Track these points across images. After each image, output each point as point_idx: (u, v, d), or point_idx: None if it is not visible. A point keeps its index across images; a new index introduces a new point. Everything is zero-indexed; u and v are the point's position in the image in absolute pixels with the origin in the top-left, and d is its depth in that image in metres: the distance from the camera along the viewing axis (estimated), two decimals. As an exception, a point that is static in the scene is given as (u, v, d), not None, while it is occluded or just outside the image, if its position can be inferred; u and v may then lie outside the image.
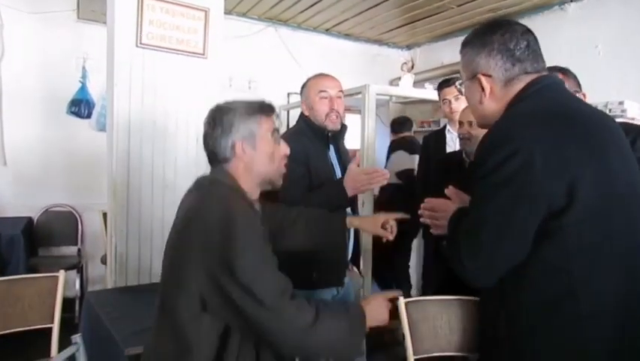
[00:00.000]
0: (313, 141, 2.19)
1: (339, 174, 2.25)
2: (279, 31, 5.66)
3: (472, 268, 1.21)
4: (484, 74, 1.31)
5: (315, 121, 2.19)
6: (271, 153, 1.49)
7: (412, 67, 6.38)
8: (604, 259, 1.19)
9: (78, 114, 4.45)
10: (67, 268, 4.20)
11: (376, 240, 4.53)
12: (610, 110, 3.83)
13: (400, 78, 5.67)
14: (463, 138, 2.60)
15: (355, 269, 2.61)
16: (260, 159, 1.47)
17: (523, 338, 1.24)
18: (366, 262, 3.95)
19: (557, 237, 1.17)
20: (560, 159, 1.15)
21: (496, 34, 1.30)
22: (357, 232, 2.35)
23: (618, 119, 3.80)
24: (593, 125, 1.26)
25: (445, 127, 3.38)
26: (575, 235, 1.16)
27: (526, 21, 5.09)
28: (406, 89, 4.73)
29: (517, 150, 1.15)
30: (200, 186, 1.48)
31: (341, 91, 2.23)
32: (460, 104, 3.01)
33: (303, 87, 2.29)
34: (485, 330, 1.46)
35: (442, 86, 3.23)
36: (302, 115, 2.26)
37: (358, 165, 2.09)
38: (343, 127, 2.30)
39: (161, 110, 2.70)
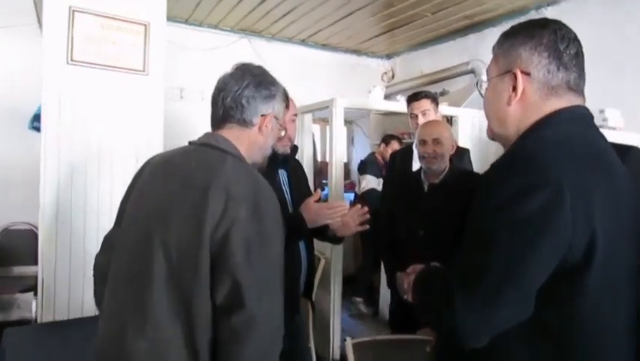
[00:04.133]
0: None
1: (289, 198, 2.13)
2: (253, 42, 5.54)
3: (466, 325, 0.98)
4: (522, 71, 1.10)
5: None
6: (273, 140, 1.53)
7: (393, 76, 6.23)
8: (611, 332, 1.05)
9: (40, 130, 4.28)
10: (25, 290, 4.06)
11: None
12: (591, 120, 3.66)
13: (383, 87, 5.52)
14: (427, 157, 2.39)
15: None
16: (270, 140, 1.49)
17: None
18: (336, 285, 3.77)
19: (566, 302, 1.00)
20: (586, 206, 0.96)
21: (548, 29, 1.11)
22: (310, 261, 2.21)
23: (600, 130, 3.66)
24: (617, 175, 1.08)
25: (412, 143, 3.20)
26: (589, 304, 1.00)
27: (503, 27, 4.89)
28: (376, 101, 4.56)
29: (548, 180, 0.96)
30: (208, 154, 1.33)
31: (295, 114, 2.13)
32: (427, 120, 2.79)
33: None
34: None
35: (411, 100, 3.02)
36: None
37: (319, 199, 1.95)
38: (294, 149, 2.20)
39: (94, 132, 2.54)
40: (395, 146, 4.89)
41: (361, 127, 6.56)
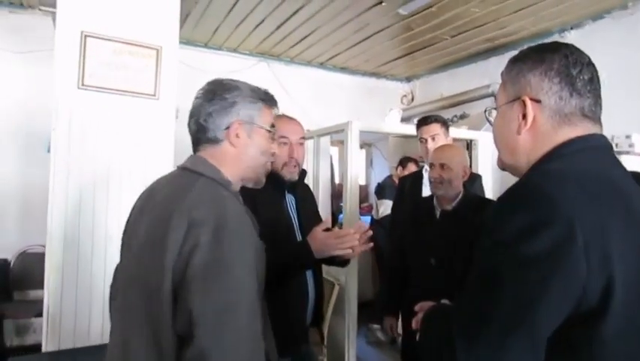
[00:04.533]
0: (266, 188, 1.97)
1: (297, 225, 2.04)
2: (272, 65, 5.55)
3: None
4: (532, 98, 1.03)
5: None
6: (265, 147, 1.38)
7: (412, 99, 6.15)
8: None
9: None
10: (40, 315, 4.04)
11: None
12: (617, 145, 3.52)
13: (400, 110, 5.46)
14: (433, 182, 2.34)
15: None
16: (252, 151, 1.35)
17: None
18: (351, 312, 3.66)
19: (579, 351, 0.90)
20: (601, 245, 0.86)
21: (559, 53, 1.03)
22: (318, 290, 2.10)
23: (624, 156, 3.51)
24: (638, 210, 0.96)
25: (422, 168, 3.13)
26: (605, 354, 0.89)
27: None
28: (392, 124, 4.49)
29: (557, 215, 0.86)
30: (182, 178, 1.28)
31: (303, 137, 2.05)
32: (437, 145, 2.76)
33: None
34: None
35: (421, 124, 3.00)
36: None
37: (332, 227, 1.86)
38: (303, 173, 2.12)
39: (104, 157, 2.51)
40: (412, 168, 4.80)
41: (380, 150, 6.49)
